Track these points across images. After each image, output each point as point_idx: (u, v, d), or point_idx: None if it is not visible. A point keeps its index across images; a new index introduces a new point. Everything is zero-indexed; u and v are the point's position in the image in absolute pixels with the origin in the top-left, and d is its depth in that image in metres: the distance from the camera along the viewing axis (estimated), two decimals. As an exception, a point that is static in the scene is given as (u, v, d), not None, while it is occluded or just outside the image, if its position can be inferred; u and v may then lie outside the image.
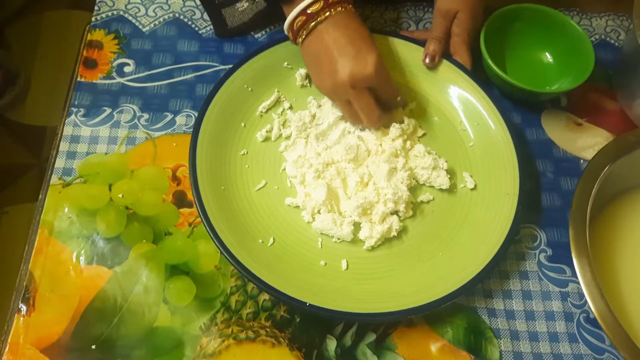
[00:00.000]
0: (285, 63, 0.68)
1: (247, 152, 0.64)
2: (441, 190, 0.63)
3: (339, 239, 0.59)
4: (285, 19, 0.61)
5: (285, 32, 0.62)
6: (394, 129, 0.63)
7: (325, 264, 0.58)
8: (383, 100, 0.62)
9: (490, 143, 0.65)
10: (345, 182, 0.61)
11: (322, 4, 0.58)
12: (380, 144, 0.63)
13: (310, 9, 0.58)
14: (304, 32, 0.59)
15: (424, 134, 0.67)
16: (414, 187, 0.63)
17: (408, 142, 0.64)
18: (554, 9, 0.71)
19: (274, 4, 0.62)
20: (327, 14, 0.58)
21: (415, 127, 0.66)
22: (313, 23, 0.58)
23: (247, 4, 0.71)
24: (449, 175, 0.62)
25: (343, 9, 0.59)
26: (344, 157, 0.62)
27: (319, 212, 0.60)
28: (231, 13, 0.71)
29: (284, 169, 0.63)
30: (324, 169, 0.61)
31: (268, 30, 0.74)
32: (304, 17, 0.59)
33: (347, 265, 0.58)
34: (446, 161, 0.63)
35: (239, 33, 0.73)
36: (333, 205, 0.60)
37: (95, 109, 0.68)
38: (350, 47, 0.58)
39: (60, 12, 1.74)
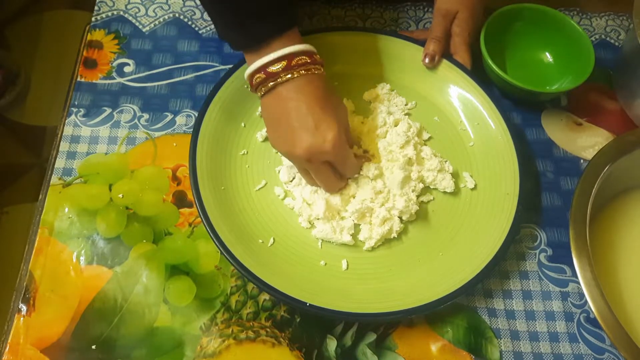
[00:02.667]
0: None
1: (247, 152, 0.64)
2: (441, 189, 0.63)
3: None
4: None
5: (248, 77, 0.57)
6: (399, 137, 0.62)
7: (325, 264, 0.58)
8: (342, 173, 0.59)
9: (490, 143, 0.65)
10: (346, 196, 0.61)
11: (284, 64, 0.53)
12: (390, 152, 0.63)
13: (271, 67, 0.54)
14: (263, 89, 0.55)
15: (429, 137, 0.67)
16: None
17: (419, 147, 0.64)
18: (554, 9, 0.71)
19: (237, 49, 0.57)
20: (289, 76, 0.53)
21: (421, 131, 0.66)
22: (272, 83, 0.54)
23: None
24: (453, 179, 0.62)
25: (308, 73, 0.54)
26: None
27: (317, 218, 0.60)
28: None
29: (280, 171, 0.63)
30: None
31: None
32: (263, 75, 0.54)
33: (347, 265, 0.58)
34: (451, 164, 0.63)
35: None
36: (333, 213, 0.60)
37: (95, 109, 0.68)
38: (310, 119, 0.53)
39: (61, 12, 1.74)
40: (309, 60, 0.55)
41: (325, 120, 0.54)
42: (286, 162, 0.63)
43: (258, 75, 0.55)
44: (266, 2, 0.53)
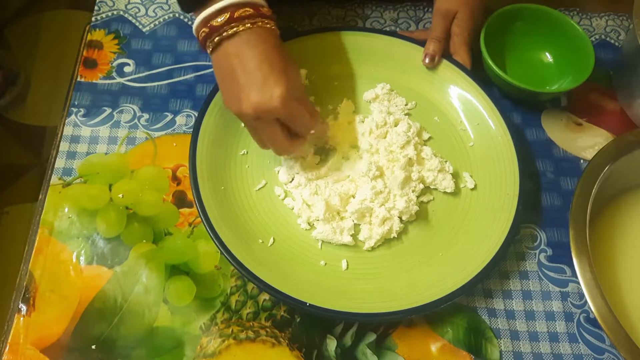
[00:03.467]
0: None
1: (247, 152, 0.64)
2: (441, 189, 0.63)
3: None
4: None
5: (194, 31, 0.55)
6: (399, 137, 0.62)
7: (325, 264, 0.58)
8: (294, 132, 0.57)
9: (490, 143, 0.65)
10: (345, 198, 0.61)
11: (226, 16, 0.51)
12: (390, 152, 0.63)
13: (213, 21, 0.52)
14: (210, 45, 0.53)
15: (429, 137, 0.67)
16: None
17: (419, 147, 0.64)
18: (554, 9, 0.71)
19: (187, 11, 0.56)
20: (234, 29, 0.51)
21: (421, 131, 0.66)
22: (217, 38, 0.52)
23: None
24: (454, 179, 0.62)
25: (254, 26, 0.52)
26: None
27: (317, 220, 0.60)
28: None
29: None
30: (321, 185, 0.61)
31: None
32: (207, 29, 0.52)
33: (347, 265, 0.58)
34: (451, 165, 0.63)
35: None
36: (333, 214, 0.60)
37: (95, 109, 0.68)
38: (257, 74, 0.51)
39: (60, 12, 1.74)
40: (253, 12, 0.52)
41: (273, 75, 0.52)
42: (285, 162, 0.63)
43: (203, 29, 0.53)
44: None
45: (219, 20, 0.52)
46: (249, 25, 0.52)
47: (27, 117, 1.57)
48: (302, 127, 0.56)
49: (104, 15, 0.74)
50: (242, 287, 0.58)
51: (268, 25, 0.53)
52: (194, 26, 0.54)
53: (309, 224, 0.60)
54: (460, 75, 0.67)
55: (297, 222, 0.60)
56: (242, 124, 0.65)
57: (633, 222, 0.63)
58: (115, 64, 0.71)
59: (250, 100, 0.52)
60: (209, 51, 0.55)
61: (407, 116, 0.67)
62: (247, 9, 0.52)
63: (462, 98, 0.68)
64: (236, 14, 0.52)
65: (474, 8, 0.68)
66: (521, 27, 0.72)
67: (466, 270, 0.57)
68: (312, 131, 0.58)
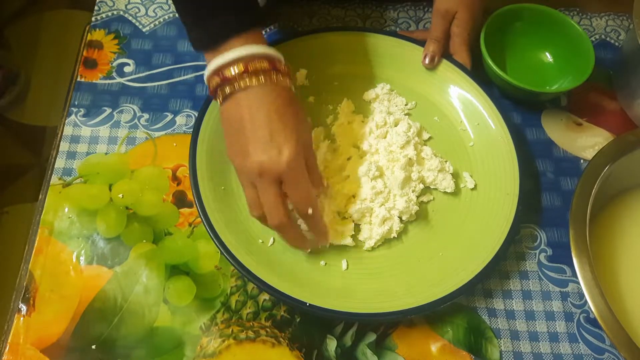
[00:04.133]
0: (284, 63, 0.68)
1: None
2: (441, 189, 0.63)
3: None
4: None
5: (205, 80, 0.53)
6: (399, 137, 0.62)
7: (325, 263, 0.58)
8: (291, 202, 0.53)
9: (490, 143, 0.65)
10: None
11: (241, 68, 0.49)
12: (390, 152, 0.63)
13: (226, 70, 0.50)
14: (221, 95, 0.51)
15: (429, 137, 0.67)
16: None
17: (419, 147, 0.64)
18: (554, 9, 0.71)
19: (197, 50, 0.54)
20: (247, 83, 0.50)
21: (421, 131, 0.66)
22: (228, 89, 0.50)
23: None
24: (454, 179, 0.62)
25: (268, 81, 0.50)
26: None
27: None
28: None
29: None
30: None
31: (268, 30, 0.74)
32: (219, 79, 0.51)
33: (347, 265, 0.58)
34: (451, 165, 0.63)
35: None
36: (334, 216, 0.60)
37: (95, 109, 0.68)
38: (266, 130, 0.49)
39: (60, 12, 1.74)
40: (268, 66, 0.50)
41: (284, 133, 0.50)
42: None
43: (214, 78, 0.51)
44: (225, 2, 0.50)
45: (233, 71, 0.50)
46: (262, 79, 0.50)
47: (27, 117, 1.57)
48: (300, 198, 0.52)
49: (103, 15, 0.74)
50: (242, 287, 0.58)
51: (283, 82, 0.51)
52: (206, 75, 0.52)
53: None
54: (460, 75, 0.67)
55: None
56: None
57: (633, 222, 0.63)
58: (115, 63, 0.71)
59: (257, 156, 0.50)
60: (219, 101, 0.53)
61: (407, 116, 0.67)
62: (263, 62, 0.50)
63: (462, 98, 0.68)
64: (251, 67, 0.50)
65: (474, 8, 0.68)
66: (521, 27, 0.72)
67: (466, 270, 0.57)
68: (310, 211, 0.53)
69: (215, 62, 0.50)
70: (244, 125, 0.50)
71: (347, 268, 0.58)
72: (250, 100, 0.50)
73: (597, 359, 0.56)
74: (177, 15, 0.74)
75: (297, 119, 0.52)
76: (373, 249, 0.59)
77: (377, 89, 0.68)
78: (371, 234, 0.59)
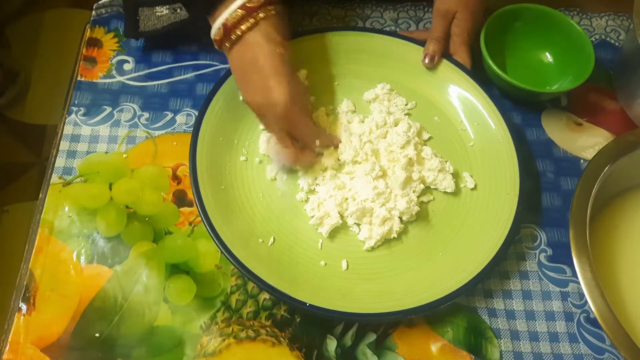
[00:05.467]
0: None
1: (247, 152, 0.64)
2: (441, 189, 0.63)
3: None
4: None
5: (212, 36, 0.58)
6: (399, 137, 0.63)
7: (326, 264, 0.58)
8: (299, 139, 0.60)
9: (490, 143, 0.65)
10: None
11: (242, 13, 0.54)
12: (391, 152, 0.63)
13: (227, 21, 0.55)
14: (228, 43, 0.56)
15: (429, 137, 0.67)
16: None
17: (420, 147, 0.64)
18: (554, 9, 0.71)
19: (196, 12, 0.59)
20: (252, 21, 0.55)
21: (421, 131, 0.66)
22: (233, 35, 0.55)
23: (166, 11, 0.69)
24: (454, 179, 0.62)
25: (266, 16, 0.55)
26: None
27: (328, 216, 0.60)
28: (147, 15, 0.69)
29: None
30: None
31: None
32: (222, 30, 0.55)
33: (347, 265, 0.58)
34: (451, 165, 0.63)
35: (149, 38, 0.72)
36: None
37: (96, 108, 0.68)
38: (271, 71, 0.55)
39: (61, 11, 1.74)
40: (263, 1, 0.55)
41: (277, 78, 0.55)
42: (275, 162, 0.63)
43: (219, 31, 0.56)
44: None
45: (234, 18, 0.54)
46: (262, 15, 0.54)
47: (28, 116, 1.57)
48: (305, 135, 0.60)
49: (103, 11, 0.74)
50: (242, 287, 0.58)
51: (279, 8, 0.56)
52: (212, 32, 0.56)
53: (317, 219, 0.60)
54: (460, 75, 0.67)
55: (297, 222, 0.61)
56: (243, 124, 0.65)
57: (633, 222, 0.63)
58: (114, 61, 0.71)
59: (283, 86, 0.54)
60: (226, 50, 0.57)
61: (407, 116, 0.67)
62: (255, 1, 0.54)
63: (462, 98, 0.68)
64: (249, 3, 0.54)
65: (474, 8, 0.68)
66: (521, 27, 0.72)
67: (466, 270, 0.57)
68: (318, 142, 0.61)
69: (219, 20, 0.55)
70: (259, 63, 0.55)
71: (347, 268, 0.58)
72: (258, 38, 0.55)
73: (597, 359, 0.57)
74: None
75: (289, 68, 0.57)
76: (373, 249, 0.59)
77: (377, 89, 0.68)
78: (371, 234, 0.59)
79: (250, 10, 0.54)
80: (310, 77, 0.68)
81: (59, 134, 0.66)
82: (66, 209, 0.61)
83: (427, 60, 0.67)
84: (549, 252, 0.62)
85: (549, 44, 0.72)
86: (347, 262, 0.59)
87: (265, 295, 0.58)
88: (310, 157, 0.61)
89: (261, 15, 0.55)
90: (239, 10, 0.54)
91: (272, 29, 0.56)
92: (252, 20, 0.54)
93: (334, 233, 0.60)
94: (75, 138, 0.65)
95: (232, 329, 0.56)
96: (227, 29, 0.55)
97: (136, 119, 0.67)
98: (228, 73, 0.65)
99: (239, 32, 0.55)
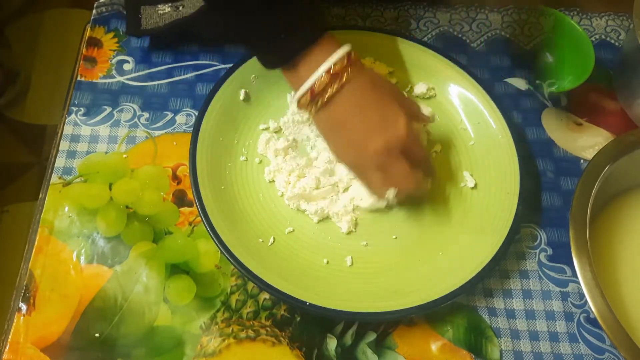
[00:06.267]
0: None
1: (247, 152, 0.64)
2: (442, 188, 0.63)
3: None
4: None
5: (296, 101, 0.54)
6: None
7: (327, 262, 0.58)
8: (417, 162, 0.56)
9: (490, 142, 0.65)
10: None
11: (326, 79, 0.51)
12: None
13: (315, 87, 0.52)
14: (313, 108, 0.53)
15: (429, 137, 0.66)
16: None
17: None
18: (554, 8, 0.71)
19: (271, 66, 0.56)
20: (335, 88, 0.52)
21: (431, 143, 0.66)
22: (320, 101, 0.52)
23: (168, 9, 0.69)
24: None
25: (351, 76, 0.52)
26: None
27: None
28: (149, 13, 0.69)
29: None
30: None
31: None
32: (309, 96, 0.52)
33: (352, 262, 0.58)
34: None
35: (151, 37, 0.71)
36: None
37: (96, 108, 0.68)
38: (374, 115, 0.52)
39: (61, 11, 1.74)
40: (347, 64, 0.52)
41: (391, 110, 0.53)
42: (274, 164, 0.63)
43: (305, 97, 0.53)
44: (290, 16, 0.52)
45: (320, 85, 0.52)
46: (347, 78, 0.52)
47: (27, 116, 1.57)
48: (420, 154, 0.56)
49: (103, 9, 0.74)
50: (242, 287, 0.58)
51: (362, 69, 0.53)
52: (297, 99, 0.54)
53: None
54: (460, 74, 0.67)
55: (297, 222, 0.61)
56: (243, 124, 0.65)
57: (633, 222, 0.63)
58: (114, 61, 0.71)
59: (378, 140, 0.52)
60: (311, 112, 0.54)
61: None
62: (342, 61, 0.52)
63: (462, 97, 0.68)
64: (333, 71, 0.51)
65: None
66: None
67: (466, 269, 0.57)
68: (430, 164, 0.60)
69: (305, 85, 0.52)
70: (350, 121, 0.53)
71: (349, 266, 0.58)
72: (347, 98, 0.52)
73: (597, 359, 0.57)
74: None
75: (392, 92, 0.55)
76: (368, 244, 0.60)
77: None
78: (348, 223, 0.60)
79: (335, 76, 0.52)
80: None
81: (59, 134, 0.66)
82: (66, 209, 0.61)
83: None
84: (549, 251, 0.62)
85: (549, 44, 0.72)
86: (348, 259, 0.58)
87: (265, 295, 0.58)
88: (425, 179, 0.58)
89: (345, 78, 0.52)
90: (325, 75, 0.51)
91: (359, 84, 0.53)
92: (338, 84, 0.52)
93: (334, 231, 0.60)
94: (75, 138, 0.65)
95: (232, 329, 0.56)
96: (314, 94, 0.52)
97: (136, 119, 0.67)
98: (228, 73, 0.65)
99: (326, 97, 0.52)
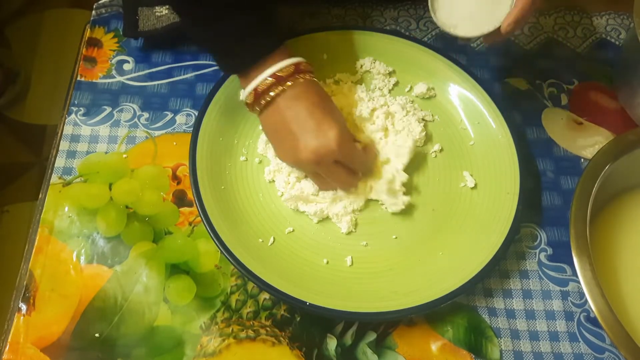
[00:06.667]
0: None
1: (247, 152, 0.64)
2: (442, 188, 0.63)
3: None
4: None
5: (243, 98, 0.58)
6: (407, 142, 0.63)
7: (327, 262, 0.58)
8: (353, 170, 0.60)
9: (490, 142, 0.65)
10: None
11: (271, 80, 0.55)
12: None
13: (259, 87, 0.55)
14: (258, 107, 0.57)
15: (429, 136, 0.67)
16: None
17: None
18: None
19: (228, 70, 0.61)
20: (279, 89, 0.55)
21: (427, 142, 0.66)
22: (263, 101, 0.56)
23: (166, 11, 0.69)
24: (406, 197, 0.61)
25: (296, 82, 0.56)
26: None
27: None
28: (147, 15, 0.69)
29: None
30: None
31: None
32: (253, 95, 0.56)
33: (352, 262, 0.58)
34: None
35: (148, 38, 0.72)
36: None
37: (95, 108, 0.68)
38: (310, 122, 0.55)
39: (61, 11, 1.74)
40: (293, 71, 0.55)
41: (326, 120, 0.55)
42: (273, 164, 0.63)
43: (249, 96, 0.56)
44: (247, 28, 0.55)
45: (264, 85, 0.55)
46: (291, 83, 0.55)
47: (27, 116, 1.57)
48: (360, 165, 0.60)
49: (103, 11, 0.74)
50: (242, 287, 0.58)
51: (309, 77, 0.57)
52: (245, 96, 0.57)
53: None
54: (460, 74, 0.67)
55: (297, 222, 0.61)
56: (243, 124, 0.65)
57: (633, 221, 0.63)
58: (114, 61, 0.71)
59: (309, 148, 0.54)
60: (257, 112, 0.58)
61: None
62: (289, 68, 0.55)
63: (462, 97, 0.68)
64: (279, 75, 0.55)
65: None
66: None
67: (466, 269, 0.57)
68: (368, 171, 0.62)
69: (250, 86, 0.56)
70: (288, 124, 0.55)
71: (349, 266, 0.58)
72: (287, 102, 0.55)
73: (597, 358, 0.56)
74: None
75: (331, 107, 0.58)
76: (368, 244, 0.60)
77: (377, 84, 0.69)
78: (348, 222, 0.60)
79: (279, 79, 0.55)
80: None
81: (59, 134, 0.66)
82: (66, 209, 0.61)
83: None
84: (549, 251, 0.62)
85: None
86: (348, 260, 0.58)
87: (265, 295, 0.58)
88: (358, 180, 0.61)
89: (289, 83, 0.55)
90: (269, 79, 0.55)
91: (301, 91, 0.56)
92: (280, 88, 0.55)
93: (334, 231, 0.60)
94: (75, 138, 0.65)
95: (232, 329, 0.56)
96: (258, 94, 0.56)
97: (136, 119, 0.67)
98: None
99: (268, 98, 0.55)
